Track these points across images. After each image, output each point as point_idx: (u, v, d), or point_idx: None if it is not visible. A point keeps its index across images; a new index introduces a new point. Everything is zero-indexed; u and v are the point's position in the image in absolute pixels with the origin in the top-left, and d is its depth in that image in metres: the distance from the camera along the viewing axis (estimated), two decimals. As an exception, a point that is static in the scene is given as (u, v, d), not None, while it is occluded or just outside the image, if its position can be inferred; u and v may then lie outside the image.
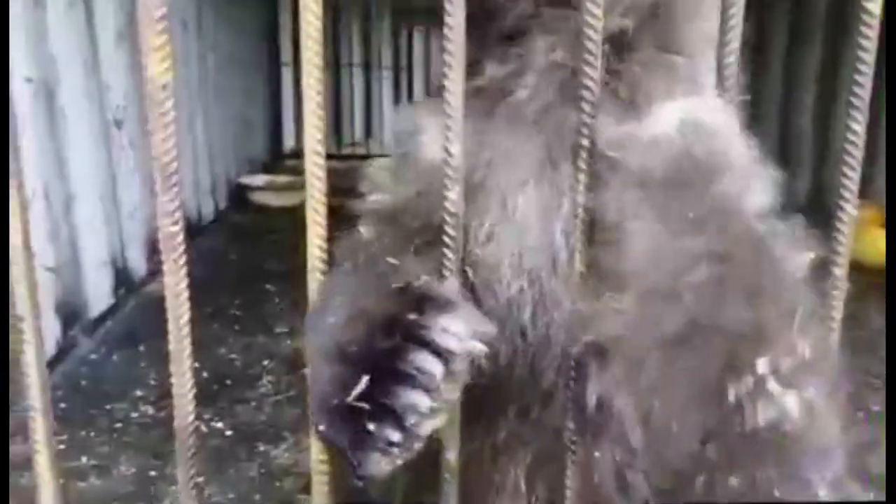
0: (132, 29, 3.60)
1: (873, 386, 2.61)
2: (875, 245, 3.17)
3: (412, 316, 0.67)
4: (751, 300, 0.73)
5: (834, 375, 0.74)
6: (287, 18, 7.70)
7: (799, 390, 0.69)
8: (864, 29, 0.82)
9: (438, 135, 0.81)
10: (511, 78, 0.90)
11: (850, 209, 0.86)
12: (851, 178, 0.86)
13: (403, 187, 0.93)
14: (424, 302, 0.68)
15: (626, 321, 0.78)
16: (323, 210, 0.81)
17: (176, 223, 0.78)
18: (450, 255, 0.81)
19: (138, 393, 2.70)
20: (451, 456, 0.84)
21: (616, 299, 0.78)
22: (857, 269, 1.07)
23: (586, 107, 0.81)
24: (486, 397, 0.88)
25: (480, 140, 0.89)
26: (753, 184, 0.86)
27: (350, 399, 0.66)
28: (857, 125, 0.85)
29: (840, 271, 0.88)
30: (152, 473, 2.27)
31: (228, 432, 2.49)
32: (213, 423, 2.52)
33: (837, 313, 0.88)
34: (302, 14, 0.75)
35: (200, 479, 1.64)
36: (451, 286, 0.76)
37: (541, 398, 0.94)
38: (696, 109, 0.87)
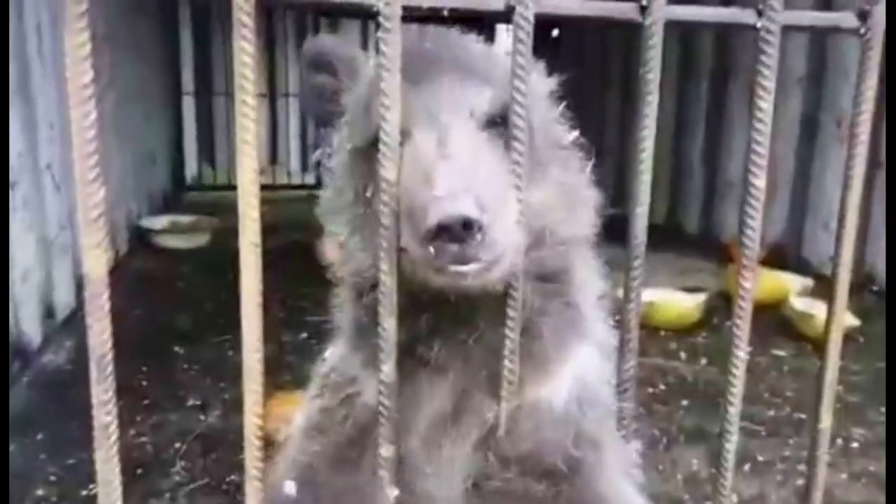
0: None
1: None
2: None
3: None
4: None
5: None
6: (188, 47, 7.41)
7: None
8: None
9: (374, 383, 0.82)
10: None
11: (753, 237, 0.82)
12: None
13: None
14: None
15: None
16: (258, 251, 0.70)
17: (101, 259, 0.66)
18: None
19: (39, 493, 2.55)
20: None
21: None
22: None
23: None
24: None
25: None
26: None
27: None
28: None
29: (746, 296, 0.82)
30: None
31: (142, 533, 2.40)
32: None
33: (743, 342, 0.84)
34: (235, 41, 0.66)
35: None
36: None
37: None
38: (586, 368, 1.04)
